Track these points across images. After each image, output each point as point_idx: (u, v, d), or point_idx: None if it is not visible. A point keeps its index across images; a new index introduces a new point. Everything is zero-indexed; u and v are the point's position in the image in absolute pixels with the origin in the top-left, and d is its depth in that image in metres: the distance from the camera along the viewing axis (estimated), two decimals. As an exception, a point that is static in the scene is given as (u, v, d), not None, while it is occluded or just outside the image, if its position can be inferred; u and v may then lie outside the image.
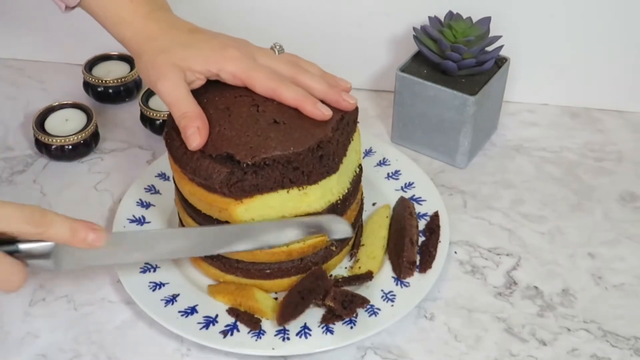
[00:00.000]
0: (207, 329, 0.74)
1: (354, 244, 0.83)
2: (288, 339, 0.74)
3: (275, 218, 0.73)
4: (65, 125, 0.95)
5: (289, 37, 1.03)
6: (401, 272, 0.79)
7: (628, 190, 0.93)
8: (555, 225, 0.88)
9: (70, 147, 0.94)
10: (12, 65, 1.11)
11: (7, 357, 0.75)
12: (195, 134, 0.71)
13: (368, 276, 0.78)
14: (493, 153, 0.98)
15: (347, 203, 0.78)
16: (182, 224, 0.81)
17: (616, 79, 1.02)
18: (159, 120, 0.96)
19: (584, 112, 1.04)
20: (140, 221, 0.85)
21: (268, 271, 0.77)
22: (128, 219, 0.85)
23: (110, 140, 0.98)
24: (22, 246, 0.63)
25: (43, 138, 0.93)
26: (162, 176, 0.90)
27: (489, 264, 0.84)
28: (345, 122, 0.75)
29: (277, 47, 0.79)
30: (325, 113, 0.73)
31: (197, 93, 0.75)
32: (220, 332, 0.74)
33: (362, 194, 0.83)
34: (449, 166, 0.95)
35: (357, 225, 0.83)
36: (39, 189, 0.92)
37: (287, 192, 0.72)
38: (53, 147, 0.93)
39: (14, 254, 0.63)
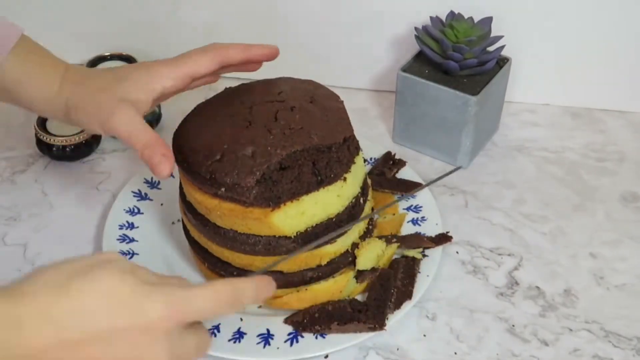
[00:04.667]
0: (214, 337, 0.74)
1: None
2: (297, 342, 0.73)
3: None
4: (67, 125, 0.95)
5: (290, 37, 1.03)
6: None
7: (630, 191, 0.93)
8: (556, 226, 0.88)
9: (71, 147, 0.94)
10: (13, 65, 1.11)
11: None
12: (162, 162, 0.68)
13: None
14: (494, 153, 0.98)
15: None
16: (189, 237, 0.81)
17: (617, 79, 1.02)
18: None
19: (585, 112, 1.04)
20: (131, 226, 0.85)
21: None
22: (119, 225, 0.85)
23: (111, 140, 0.98)
24: None
25: (45, 138, 0.93)
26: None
27: (490, 264, 0.84)
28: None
29: None
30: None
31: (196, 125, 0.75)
32: (228, 340, 0.73)
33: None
34: (450, 166, 0.95)
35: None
36: (40, 188, 0.92)
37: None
38: (55, 147, 0.93)
39: None
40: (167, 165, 0.69)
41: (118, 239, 0.83)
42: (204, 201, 0.73)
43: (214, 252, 0.77)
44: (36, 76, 0.74)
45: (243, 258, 0.75)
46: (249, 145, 0.70)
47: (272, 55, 0.77)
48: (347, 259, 0.78)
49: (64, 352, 0.49)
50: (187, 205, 0.77)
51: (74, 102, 0.73)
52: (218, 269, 0.77)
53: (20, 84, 0.74)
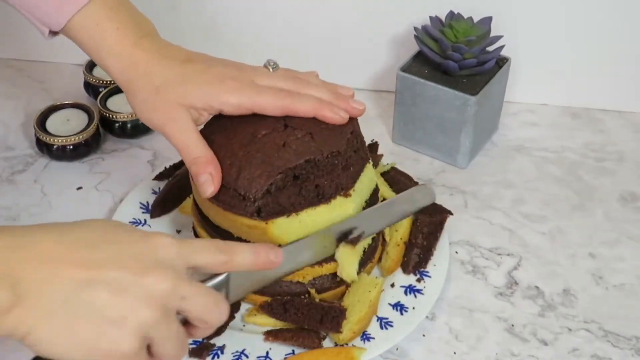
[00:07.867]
0: None
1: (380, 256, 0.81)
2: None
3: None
4: (67, 125, 0.95)
5: (289, 38, 1.04)
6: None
7: (629, 190, 0.93)
8: (556, 225, 0.88)
9: (71, 147, 0.94)
10: (12, 65, 1.11)
11: (7, 357, 0.75)
12: (208, 182, 0.69)
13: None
14: (494, 153, 0.98)
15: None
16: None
17: (617, 79, 1.02)
18: (118, 122, 0.96)
19: (584, 112, 1.04)
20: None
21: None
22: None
23: (111, 140, 0.98)
24: (208, 283, 0.63)
25: (44, 138, 0.93)
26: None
27: (490, 264, 0.84)
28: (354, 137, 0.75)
29: (271, 64, 0.75)
30: (343, 117, 0.72)
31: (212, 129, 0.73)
32: None
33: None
34: (450, 166, 0.95)
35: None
36: (40, 188, 0.92)
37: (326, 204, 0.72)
38: (54, 147, 0.93)
39: None
40: (210, 186, 0.70)
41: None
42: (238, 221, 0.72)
43: None
44: (102, 42, 0.73)
45: None
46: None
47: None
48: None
49: None
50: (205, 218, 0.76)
51: (130, 89, 0.72)
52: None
53: (84, 42, 0.75)
